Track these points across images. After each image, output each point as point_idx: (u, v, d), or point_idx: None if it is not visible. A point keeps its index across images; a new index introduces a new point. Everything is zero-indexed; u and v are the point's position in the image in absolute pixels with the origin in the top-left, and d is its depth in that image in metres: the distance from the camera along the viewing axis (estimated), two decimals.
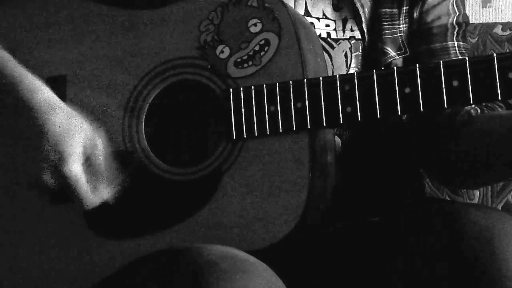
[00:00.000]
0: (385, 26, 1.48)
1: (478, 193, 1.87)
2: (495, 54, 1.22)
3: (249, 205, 1.29)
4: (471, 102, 1.22)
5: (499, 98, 1.21)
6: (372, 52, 1.48)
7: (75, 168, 1.26)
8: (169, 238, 1.31)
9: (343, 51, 1.47)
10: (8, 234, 1.38)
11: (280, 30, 1.32)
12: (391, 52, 1.47)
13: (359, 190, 1.47)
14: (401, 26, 1.50)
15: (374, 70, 1.27)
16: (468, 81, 1.22)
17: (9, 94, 1.30)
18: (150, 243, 1.32)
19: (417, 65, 1.25)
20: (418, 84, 1.24)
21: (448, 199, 1.86)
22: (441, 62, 1.24)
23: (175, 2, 1.36)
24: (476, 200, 1.86)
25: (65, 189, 1.28)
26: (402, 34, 1.49)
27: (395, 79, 1.25)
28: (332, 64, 1.46)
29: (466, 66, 1.22)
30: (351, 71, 1.47)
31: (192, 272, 1.16)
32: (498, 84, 1.21)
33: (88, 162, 1.28)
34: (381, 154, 1.49)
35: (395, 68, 1.26)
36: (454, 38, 1.51)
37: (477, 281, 1.17)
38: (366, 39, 1.48)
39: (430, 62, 1.48)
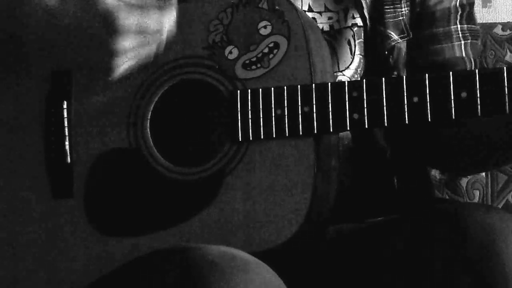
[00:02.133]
0: (387, 10, 1.48)
1: (478, 193, 1.88)
2: (505, 67, 1.22)
3: (252, 207, 1.29)
4: (479, 114, 1.23)
5: (507, 112, 1.21)
6: (374, 36, 1.48)
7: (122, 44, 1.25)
8: (170, 238, 1.31)
9: (346, 39, 1.47)
10: (9, 228, 1.38)
11: (290, 34, 1.31)
12: (394, 36, 1.48)
13: (361, 190, 1.48)
14: (403, 9, 1.50)
15: (383, 78, 1.27)
16: (476, 93, 1.22)
17: None
18: (151, 242, 1.31)
19: (426, 74, 1.25)
20: (426, 94, 1.24)
21: (448, 198, 1.87)
22: (450, 72, 1.24)
23: (184, 1, 1.35)
24: (476, 200, 1.87)
25: None
26: (404, 17, 1.49)
27: (403, 88, 1.25)
28: (336, 54, 1.46)
29: (476, 78, 1.22)
30: (356, 58, 1.47)
31: (193, 272, 1.16)
32: (507, 97, 1.21)
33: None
34: (383, 152, 1.49)
35: (404, 76, 1.26)
36: (458, 22, 1.51)
37: (480, 281, 1.18)
38: (368, 25, 1.48)
39: (432, 47, 1.50)
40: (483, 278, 1.17)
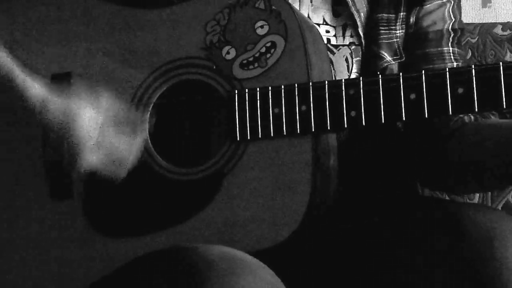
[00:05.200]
0: (382, 31, 1.49)
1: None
2: (501, 62, 1.22)
3: (251, 206, 1.29)
4: (476, 110, 1.23)
5: (504, 107, 1.21)
6: (368, 56, 1.49)
7: (90, 159, 1.29)
8: (170, 238, 1.31)
9: (343, 57, 1.47)
10: (7, 229, 1.38)
11: (287, 33, 1.32)
12: (387, 57, 1.48)
13: (358, 191, 1.48)
14: (398, 31, 1.50)
15: (380, 75, 1.27)
16: (473, 89, 1.22)
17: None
18: (151, 242, 1.32)
19: (423, 71, 1.25)
20: (423, 90, 1.25)
21: (448, 199, 1.86)
22: (447, 69, 1.24)
23: (182, 2, 1.36)
24: (476, 200, 1.87)
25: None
26: (398, 39, 1.50)
27: (400, 85, 1.26)
28: (333, 69, 1.46)
29: (472, 74, 1.23)
30: (353, 76, 1.47)
31: (192, 272, 1.16)
32: (503, 92, 1.21)
33: (100, 141, 1.29)
34: (376, 156, 1.49)
35: (400, 74, 1.27)
36: (449, 44, 1.51)
37: (477, 281, 1.18)
38: (363, 44, 1.48)
39: (424, 67, 1.50)
40: (481, 278, 1.17)
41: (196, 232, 1.31)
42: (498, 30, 1.96)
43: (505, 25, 1.96)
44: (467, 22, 2.01)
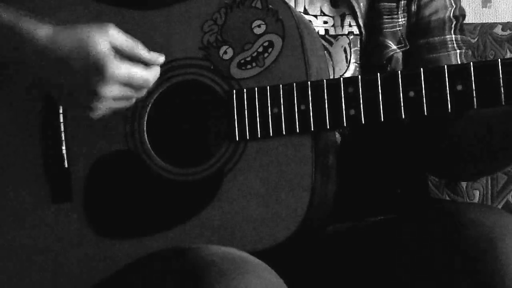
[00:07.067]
0: (385, 20, 1.49)
1: (478, 193, 1.87)
2: (499, 59, 1.22)
3: (251, 206, 1.29)
4: (475, 106, 1.23)
5: (503, 103, 1.21)
6: (372, 46, 1.49)
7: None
8: (170, 239, 1.31)
9: (342, 47, 1.47)
10: (8, 232, 1.38)
11: (284, 32, 1.32)
12: (392, 45, 1.48)
13: (359, 189, 1.47)
14: (400, 20, 1.50)
15: (378, 73, 1.27)
16: (472, 85, 1.22)
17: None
18: (151, 244, 1.32)
19: (421, 68, 1.25)
20: (422, 88, 1.24)
21: (448, 199, 1.86)
22: (445, 66, 1.24)
23: (178, 2, 1.36)
24: (476, 200, 1.87)
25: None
26: (401, 28, 1.50)
27: (399, 83, 1.25)
28: (332, 60, 1.46)
29: (471, 71, 1.22)
30: (351, 66, 1.47)
31: (193, 273, 1.16)
32: (502, 89, 1.21)
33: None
34: (382, 152, 1.49)
35: (399, 71, 1.27)
36: (452, 32, 1.52)
37: (478, 280, 1.17)
38: (363, 33, 1.48)
39: (428, 56, 1.50)
40: (482, 278, 1.17)
41: (197, 233, 1.30)
42: (498, 30, 1.95)
43: (505, 25, 1.96)
44: (467, 22, 2.01)
